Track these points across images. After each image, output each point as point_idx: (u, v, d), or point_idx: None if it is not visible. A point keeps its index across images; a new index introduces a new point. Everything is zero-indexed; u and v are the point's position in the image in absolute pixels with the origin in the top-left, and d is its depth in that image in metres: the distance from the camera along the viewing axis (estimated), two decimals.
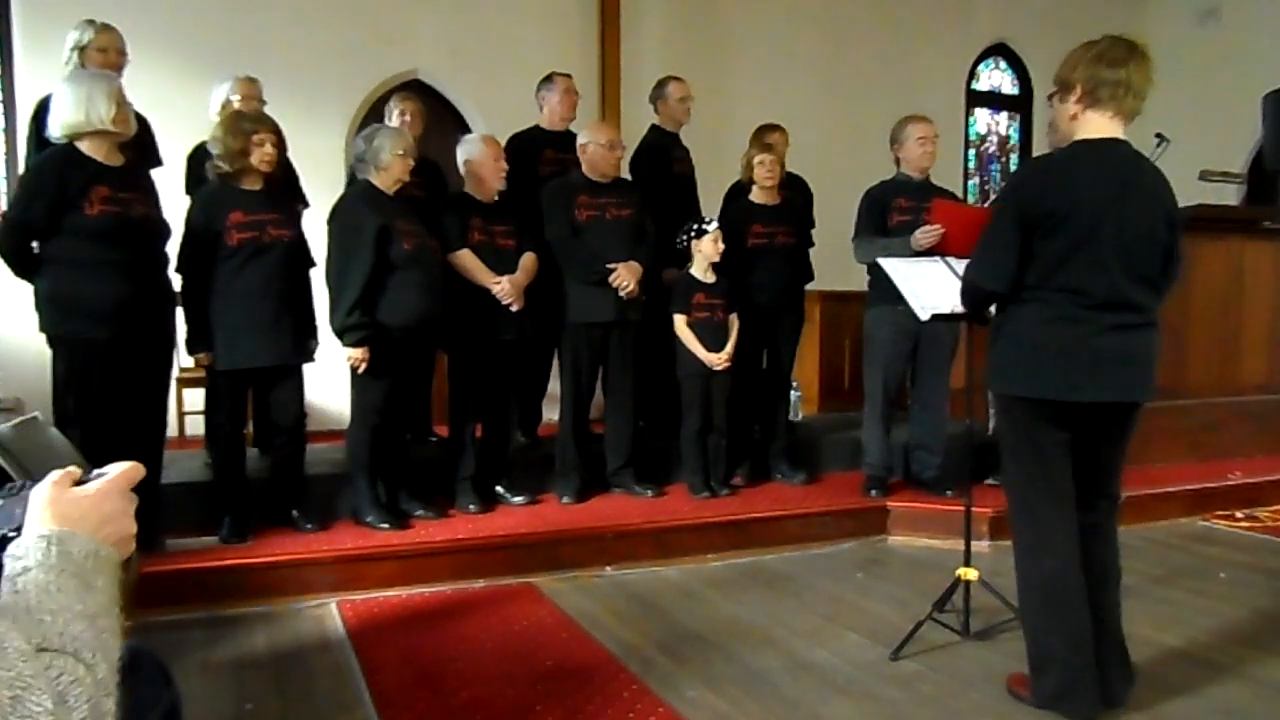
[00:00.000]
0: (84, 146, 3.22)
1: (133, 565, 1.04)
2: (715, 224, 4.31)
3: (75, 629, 0.88)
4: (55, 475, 1.01)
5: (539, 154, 4.60)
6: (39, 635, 0.85)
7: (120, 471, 1.05)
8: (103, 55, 3.73)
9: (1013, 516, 2.50)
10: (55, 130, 3.22)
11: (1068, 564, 2.38)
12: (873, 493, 4.38)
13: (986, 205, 3.91)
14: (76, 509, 0.98)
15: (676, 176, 4.86)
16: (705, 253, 4.27)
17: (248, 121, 3.56)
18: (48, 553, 0.93)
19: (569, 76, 4.74)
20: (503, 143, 4.28)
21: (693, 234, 4.30)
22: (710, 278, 4.31)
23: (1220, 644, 2.96)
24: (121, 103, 3.23)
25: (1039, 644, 2.43)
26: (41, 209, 3.16)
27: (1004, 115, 8.03)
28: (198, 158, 3.94)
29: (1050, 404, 2.33)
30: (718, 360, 4.26)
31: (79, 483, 1.02)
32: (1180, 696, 2.53)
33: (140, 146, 3.55)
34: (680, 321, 4.30)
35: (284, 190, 3.94)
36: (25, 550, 0.93)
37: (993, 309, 2.54)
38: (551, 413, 4.69)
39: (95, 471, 1.05)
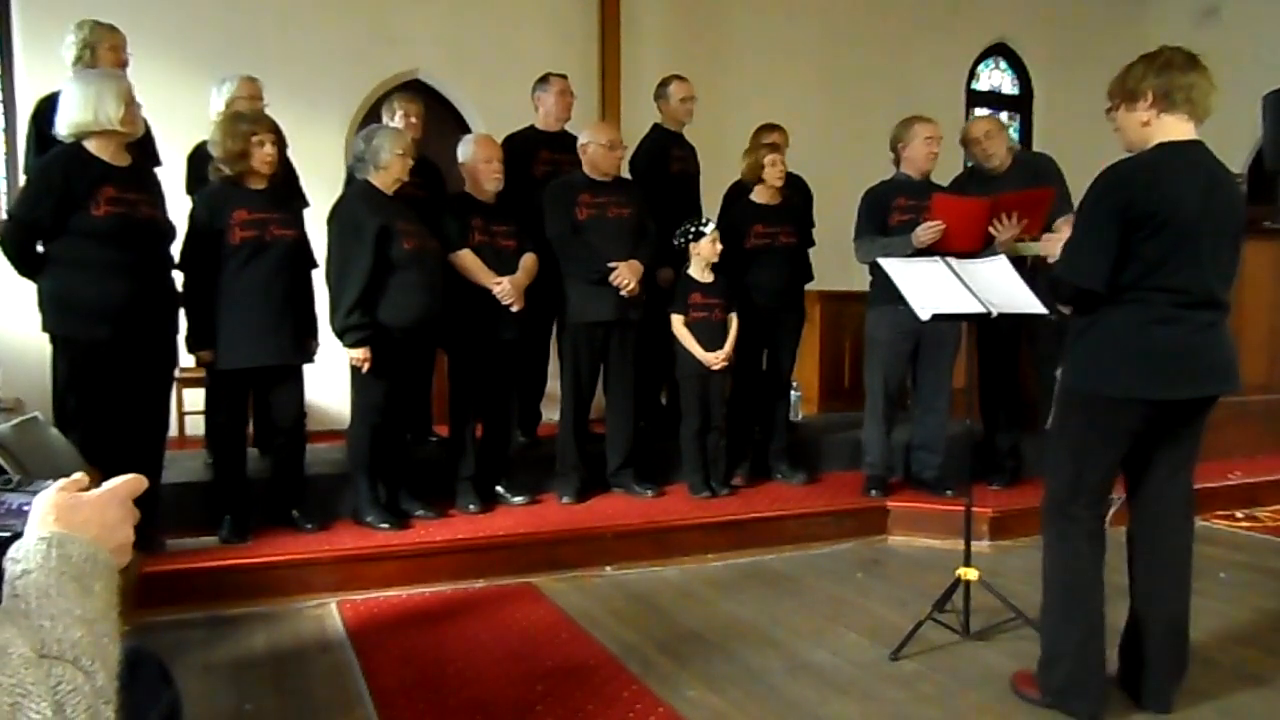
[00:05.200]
0: (91, 146, 3.21)
1: (132, 566, 1.04)
2: (712, 225, 4.32)
3: (74, 635, 0.88)
4: (63, 481, 1.02)
5: (534, 154, 4.60)
6: (38, 641, 0.85)
7: (123, 481, 1.06)
8: (113, 54, 3.74)
9: (1047, 509, 2.51)
10: (63, 129, 3.21)
11: (1091, 562, 2.42)
12: (873, 493, 4.38)
13: (989, 200, 3.91)
14: (79, 514, 0.99)
15: (675, 176, 4.85)
16: (703, 254, 4.28)
17: (245, 123, 3.55)
18: (47, 555, 0.93)
19: (564, 77, 4.74)
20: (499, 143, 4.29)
21: (690, 236, 4.30)
22: (708, 278, 4.31)
23: (1220, 644, 2.96)
24: (130, 103, 3.23)
25: (1052, 638, 2.46)
26: (48, 209, 3.16)
27: (1004, 115, 8.02)
28: (198, 158, 3.94)
29: (1138, 405, 2.33)
30: (715, 360, 4.26)
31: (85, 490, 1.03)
32: (1180, 696, 2.52)
33: (140, 147, 3.54)
34: (678, 322, 4.30)
35: (287, 190, 3.94)
36: (25, 553, 0.93)
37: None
38: (551, 413, 4.69)
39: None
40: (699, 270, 4.32)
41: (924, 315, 2.90)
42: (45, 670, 0.82)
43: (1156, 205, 2.25)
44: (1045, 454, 2.59)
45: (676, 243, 4.35)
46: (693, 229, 4.31)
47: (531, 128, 4.73)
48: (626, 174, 4.63)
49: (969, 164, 4.58)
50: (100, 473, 1.11)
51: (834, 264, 4.96)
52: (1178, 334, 2.29)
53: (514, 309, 4.00)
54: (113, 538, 1.01)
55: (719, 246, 4.27)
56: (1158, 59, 2.33)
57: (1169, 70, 2.29)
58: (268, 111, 3.94)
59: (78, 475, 1.03)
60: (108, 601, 0.95)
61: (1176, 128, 2.31)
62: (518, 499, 4.17)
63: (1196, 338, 2.30)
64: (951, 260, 3.03)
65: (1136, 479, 2.50)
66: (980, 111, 7.79)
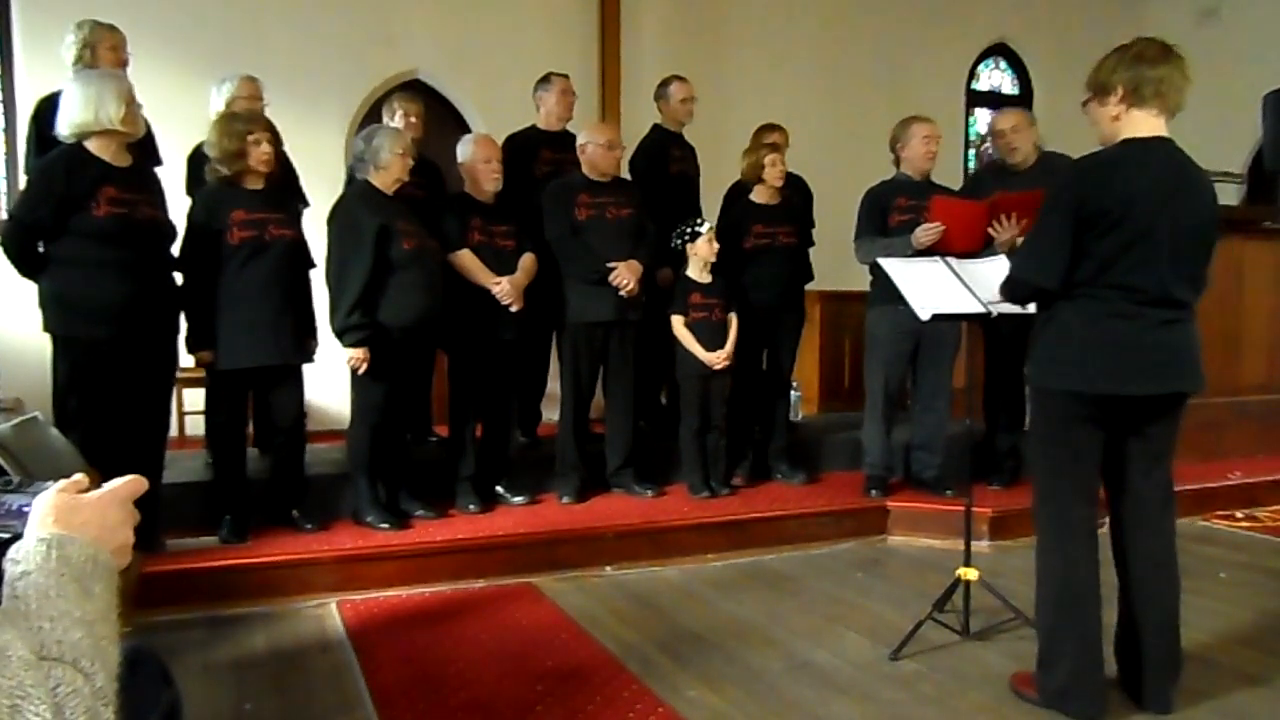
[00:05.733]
0: (92, 146, 3.21)
1: (133, 567, 1.04)
2: (708, 225, 4.32)
3: (74, 636, 0.87)
4: (63, 482, 1.01)
5: (535, 154, 4.60)
6: (37, 643, 0.85)
7: (124, 482, 1.05)
8: (114, 54, 3.74)
9: (1037, 511, 2.51)
10: (63, 129, 3.21)
11: (1085, 562, 2.40)
12: (873, 493, 4.38)
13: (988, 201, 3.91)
14: (79, 515, 0.99)
15: (674, 176, 4.85)
16: (700, 254, 4.28)
17: (241, 123, 3.55)
18: (47, 556, 0.93)
19: (566, 77, 4.74)
20: (500, 143, 4.29)
21: (686, 237, 4.30)
22: (706, 278, 4.32)
23: (1220, 644, 2.96)
24: (130, 103, 3.23)
25: (1049, 640, 2.45)
26: (49, 209, 3.15)
27: None
28: (197, 158, 3.94)
29: (1096, 400, 2.33)
30: (716, 360, 4.26)
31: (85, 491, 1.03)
32: (1180, 696, 2.52)
33: (141, 147, 3.55)
34: (678, 323, 4.30)
35: (285, 189, 3.94)
36: (25, 555, 0.93)
37: (1032, 306, 2.56)
38: (551, 413, 4.69)
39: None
40: (697, 270, 4.32)
41: (924, 315, 2.90)
42: (45, 672, 0.82)
43: (1110, 203, 2.23)
44: (1030, 455, 2.58)
45: (673, 244, 4.36)
46: (689, 230, 4.31)
47: (533, 127, 4.73)
48: (626, 174, 4.63)
49: (994, 157, 4.54)
50: (100, 473, 1.11)
51: (834, 264, 4.96)
52: (1132, 329, 2.28)
53: (513, 309, 4.00)
54: (113, 539, 1.01)
55: (716, 246, 4.27)
56: (1129, 51, 2.30)
57: (1139, 63, 2.26)
58: (267, 112, 3.94)
59: (78, 476, 1.03)
60: (108, 603, 0.95)
61: (1145, 123, 2.29)
62: (518, 499, 4.17)
63: (1152, 334, 2.28)
64: (951, 260, 3.04)
65: (1113, 479, 2.48)
66: (981, 113, 7.81)
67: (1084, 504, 2.42)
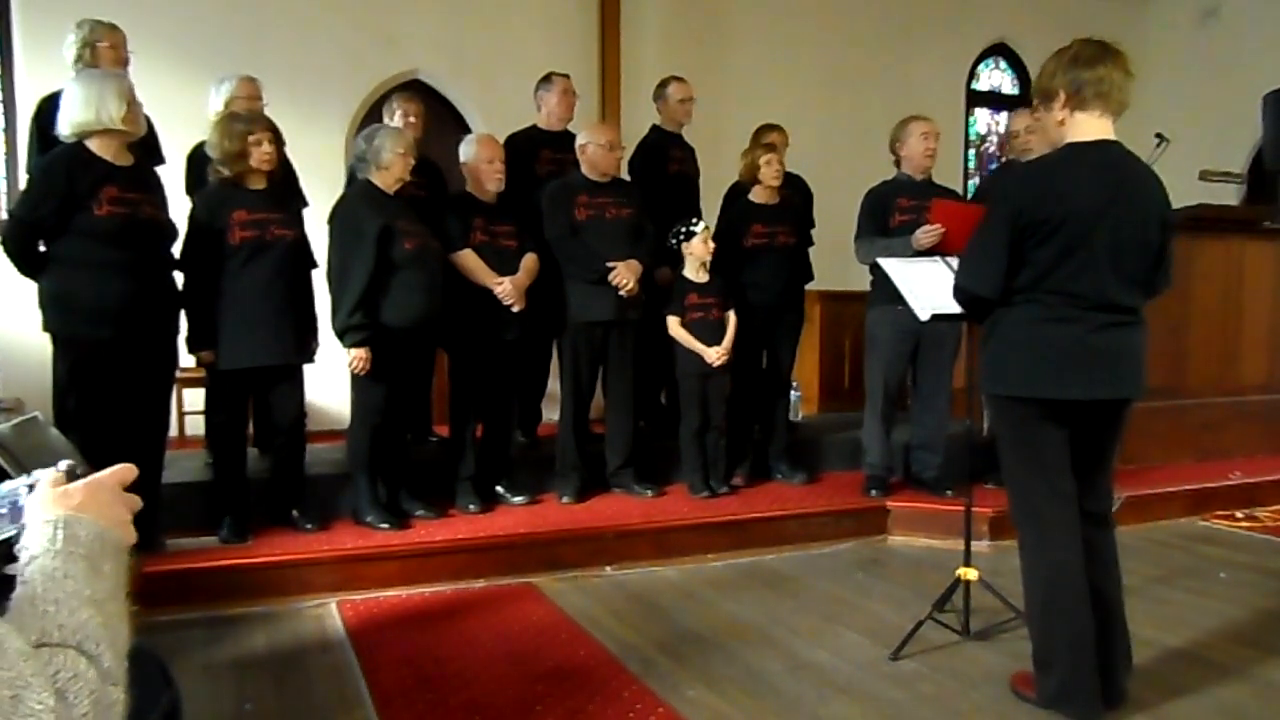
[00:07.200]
0: (93, 146, 3.21)
1: (132, 565, 1.04)
2: (703, 224, 4.32)
3: (81, 617, 0.88)
4: (49, 475, 1.03)
5: (536, 154, 4.60)
6: (37, 630, 0.85)
7: (110, 471, 1.07)
8: (114, 53, 3.74)
9: (1014, 516, 2.51)
10: (65, 129, 3.21)
11: (1070, 562, 2.38)
12: (873, 493, 4.38)
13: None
14: (72, 500, 1.00)
15: (674, 176, 4.85)
16: (696, 254, 4.28)
17: (241, 123, 3.55)
18: (54, 537, 0.94)
19: (567, 77, 4.74)
20: (501, 143, 4.29)
21: (681, 236, 4.30)
22: (702, 277, 4.32)
23: (1220, 644, 2.96)
24: (132, 102, 3.23)
25: (1042, 642, 2.44)
26: (50, 209, 3.15)
27: (1004, 115, 8.01)
28: (197, 158, 3.94)
29: (1045, 403, 2.33)
30: (715, 354, 4.26)
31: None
32: (1180, 696, 2.53)
33: (144, 145, 3.55)
34: (674, 323, 4.30)
35: (286, 189, 3.94)
36: (33, 540, 0.94)
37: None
38: (551, 413, 4.69)
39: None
40: (694, 270, 4.32)
41: (923, 315, 2.90)
42: (44, 660, 0.82)
43: (1048, 211, 2.22)
44: (1001, 461, 2.57)
45: (669, 244, 4.36)
46: (684, 230, 4.31)
47: (534, 127, 4.73)
48: (625, 175, 4.63)
49: (1010, 157, 4.54)
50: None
51: (834, 264, 4.95)
52: (1072, 332, 2.26)
53: (515, 309, 4.00)
54: (110, 517, 1.02)
55: (711, 245, 4.27)
56: (1066, 54, 2.28)
57: (1076, 66, 2.24)
58: (267, 112, 3.94)
59: (59, 471, 1.04)
60: (117, 581, 0.96)
61: (1089, 125, 2.27)
62: (518, 499, 4.17)
63: (1094, 338, 2.27)
64: (951, 260, 3.03)
65: None
66: (981, 113, 7.81)
67: (1060, 503, 2.40)
